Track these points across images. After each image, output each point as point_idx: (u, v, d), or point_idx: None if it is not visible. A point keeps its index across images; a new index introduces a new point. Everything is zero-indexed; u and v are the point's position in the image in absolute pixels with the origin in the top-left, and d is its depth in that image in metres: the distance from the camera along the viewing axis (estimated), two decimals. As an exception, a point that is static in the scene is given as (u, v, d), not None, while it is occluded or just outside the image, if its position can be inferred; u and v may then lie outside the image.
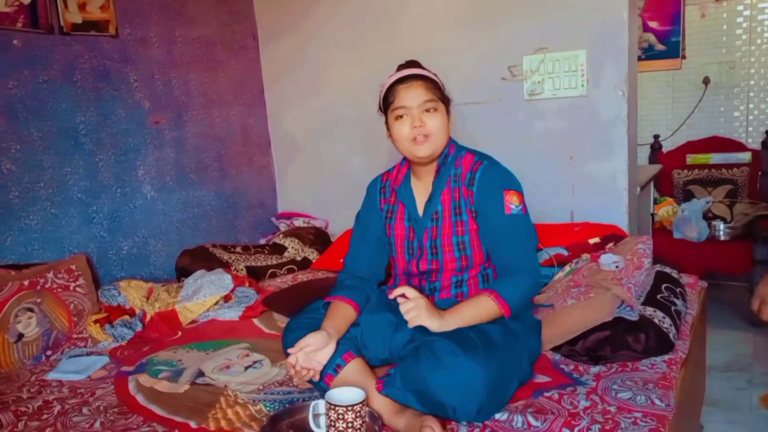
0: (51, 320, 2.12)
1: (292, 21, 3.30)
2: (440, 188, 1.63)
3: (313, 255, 3.01)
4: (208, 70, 3.13)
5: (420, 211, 1.67)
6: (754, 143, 4.03)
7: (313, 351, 1.43)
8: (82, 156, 2.55)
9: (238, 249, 2.90)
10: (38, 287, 2.12)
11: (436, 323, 1.45)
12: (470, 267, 1.63)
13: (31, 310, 2.08)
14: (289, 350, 1.43)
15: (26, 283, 2.10)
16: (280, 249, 3.01)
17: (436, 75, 1.67)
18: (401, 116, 1.58)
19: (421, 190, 1.68)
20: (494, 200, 1.57)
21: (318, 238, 3.13)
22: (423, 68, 1.66)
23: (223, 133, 3.22)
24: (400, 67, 1.67)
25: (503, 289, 1.51)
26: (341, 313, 1.58)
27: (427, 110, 1.57)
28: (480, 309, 1.49)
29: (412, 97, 1.57)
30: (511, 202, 1.56)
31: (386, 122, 1.65)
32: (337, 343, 1.49)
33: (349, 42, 3.15)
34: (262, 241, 3.28)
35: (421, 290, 1.65)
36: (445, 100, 1.64)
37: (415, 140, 1.57)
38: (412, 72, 1.61)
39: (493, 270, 1.65)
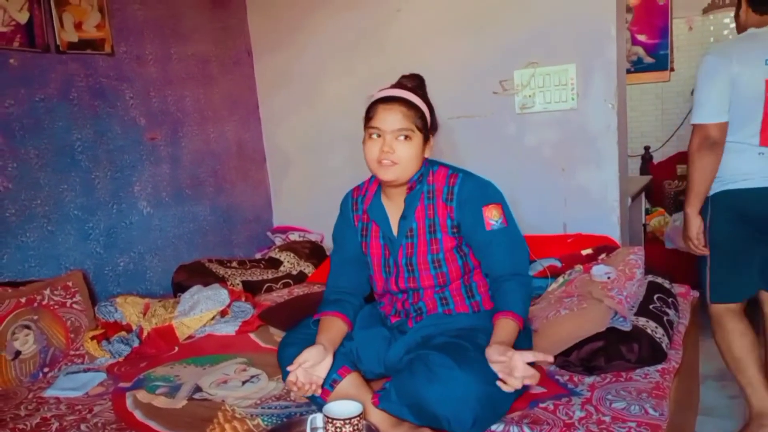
0: (48, 337, 2.12)
1: (285, 35, 3.33)
2: (414, 205, 1.63)
3: (308, 269, 3.02)
4: (203, 86, 3.16)
5: (394, 229, 1.65)
6: (744, 153, 4.07)
7: (311, 366, 1.44)
8: (79, 173, 2.56)
9: (234, 264, 2.91)
10: (35, 304, 2.13)
11: None
12: (448, 283, 1.63)
13: (28, 327, 2.08)
14: (288, 368, 1.44)
15: (23, 300, 2.11)
16: (275, 263, 3.02)
17: (424, 100, 1.61)
18: (374, 136, 1.56)
19: (392, 207, 1.66)
20: (475, 217, 1.58)
21: (313, 251, 3.14)
22: (418, 89, 1.63)
23: (218, 148, 3.25)
24: (399, 80, 1.66)
25: (514, 306, 1.51)
26: (333, 327, 1.59)
27: (401, 137, 1.54)
28: (512, 332, 1.47)
29: (389, 120, 1.53)
30: (491, 218, 1.57)
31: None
32: (333, 358, 1.50)
33: (342, 55, 3.17)
34: (258, 256, 3.28)
35: (407, 313, 1.67)
36: (426, 129, 1.59)
37: (381, 163, 1.55)
38: (398, 94, 1.58)
39: (477, 284, 1.66)
